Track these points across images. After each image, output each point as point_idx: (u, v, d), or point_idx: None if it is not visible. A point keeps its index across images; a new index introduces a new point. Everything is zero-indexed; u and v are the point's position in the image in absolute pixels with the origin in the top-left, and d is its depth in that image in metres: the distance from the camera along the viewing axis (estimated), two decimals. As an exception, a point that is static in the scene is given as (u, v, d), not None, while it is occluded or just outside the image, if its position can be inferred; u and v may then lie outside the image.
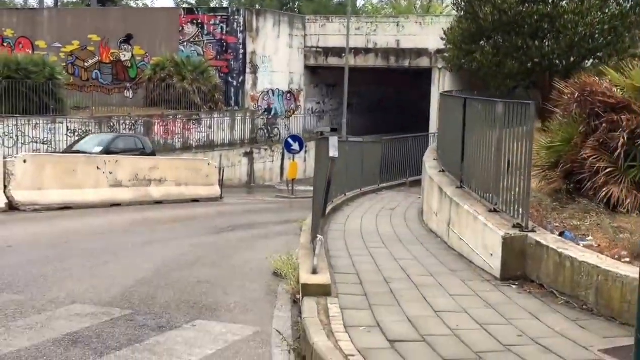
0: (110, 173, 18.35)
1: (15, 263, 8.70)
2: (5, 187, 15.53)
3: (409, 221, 13.05)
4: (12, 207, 15.35)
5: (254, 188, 30.31)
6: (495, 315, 5.90)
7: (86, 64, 33.51)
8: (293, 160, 27.86)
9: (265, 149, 32.49)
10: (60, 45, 34.27)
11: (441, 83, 32.62)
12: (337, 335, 5.11)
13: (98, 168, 18.02)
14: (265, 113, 33.46)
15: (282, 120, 34.90)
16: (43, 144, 25.70)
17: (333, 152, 6.50)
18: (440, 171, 12.40)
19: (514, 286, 7.02)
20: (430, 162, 13.87)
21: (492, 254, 7.54)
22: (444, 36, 23.54)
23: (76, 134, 26.41)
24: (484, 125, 9.04)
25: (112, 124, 27.58)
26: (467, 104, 10.24)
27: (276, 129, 33.48)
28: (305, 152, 30.41)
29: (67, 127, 26.13)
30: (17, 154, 20.37)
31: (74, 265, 8.76)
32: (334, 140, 6.70)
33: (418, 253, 9.05)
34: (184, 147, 29.43)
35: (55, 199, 16.35)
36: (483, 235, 7.93)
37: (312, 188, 25.35)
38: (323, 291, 6.16)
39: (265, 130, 33.04)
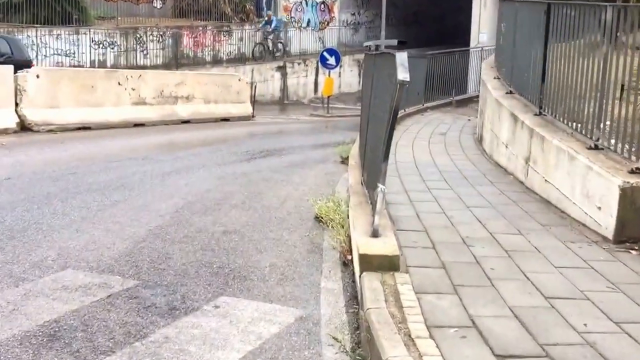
0: (133, 89, 16.78)
1: (8, 203, 7.24)
2: (16, 104, 14.07)
3: (467, 150, 11.36)
4: (24, 127, 13.94)
5: (287, 105, 28.57)
6: (629, 305, 4.28)
7: (111, -29, 31.36)
8: (329, 75, 25.94)
9: (299, 63, 30.50)
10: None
11: (484, -7, 29.81)
12: (419, 345, 3.53)
13: (119, 84, 16.46)
14: (267, 25, 29.92)
15: (316, 33, 32.68)
16: (66, 56, 24.23)
17: (403, 75, 4.71)
18: (507, 93, 10.58)
19: (633, 252, 5.37)
20: (491, 82, 11.99)
21: (599, 207, 5.86)
22: None
23: (101, 45, 24.88)
24: (580, 37, 7.19)
25: (138, 35, 26.00)
26: (552, 10, 8.31)
27: (280, 44, 30.81)
28: (340, 66, 28.41)
29: (91, 38, 24.64)
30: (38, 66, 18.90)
31: (77, 206, 7.28)
32: (402, 58, 4.90)
33: (492, 197, 7.39)
34: (214, 61, 27.93)
35: (72, 118, 14.90)
36: (584, 181, 6.23)
37: (348, 106, 23.69)
38: (389, 264, 4.55)
39: (266, 46, 29.73)
